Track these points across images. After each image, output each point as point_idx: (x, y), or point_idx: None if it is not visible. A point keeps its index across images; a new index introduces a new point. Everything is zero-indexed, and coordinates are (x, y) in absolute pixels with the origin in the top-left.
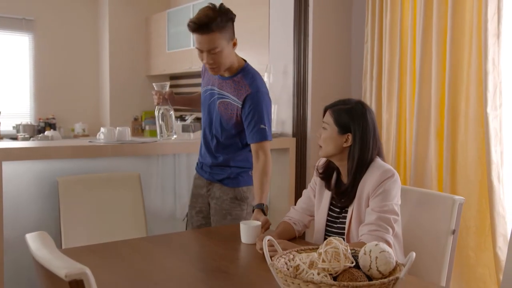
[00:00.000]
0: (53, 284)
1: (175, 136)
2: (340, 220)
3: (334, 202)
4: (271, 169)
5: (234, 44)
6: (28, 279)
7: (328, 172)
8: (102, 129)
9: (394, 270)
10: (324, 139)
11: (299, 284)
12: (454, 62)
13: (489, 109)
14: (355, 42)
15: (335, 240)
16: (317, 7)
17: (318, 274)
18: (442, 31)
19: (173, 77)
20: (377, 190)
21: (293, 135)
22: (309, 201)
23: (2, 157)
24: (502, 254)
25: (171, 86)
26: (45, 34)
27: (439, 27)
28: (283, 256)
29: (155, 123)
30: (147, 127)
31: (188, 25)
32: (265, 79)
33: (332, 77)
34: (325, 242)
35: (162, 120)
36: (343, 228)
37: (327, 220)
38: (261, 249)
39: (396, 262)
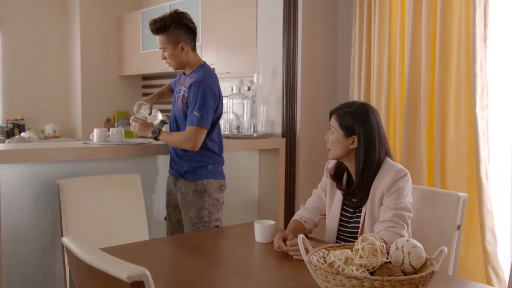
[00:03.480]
0: (109, 286)
1: None
2: (354, 219)
3: (346, 202)
4: (180, 145)
5: (182, 49)
6: (23, 283)
7: (339, 173)
8: (95, 130)
9: (425, 265)
10: (332, 142)
11: (341, 280)
12: (443, 64)
13: (477, 110)
14: (342, 44)
15: (370, 237)
16: (306, 8)
17: (357, 270)
18: (431, 34)
19: (146, 77)
20: (391, 189)
21: (283, 136)
22: (320, 200)
23: (0, 159)
24: (491, 247)
25: (144, 87)
26: (13, 32)
27: (428, 31)
28: (314, 253)
29: (127, 124)
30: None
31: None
32: (254, 80)
33: (321, 78)
34: (360, 238)
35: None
36: (357, 228)
37: (340, 220)
38: (279, 247)
39: (426, 256)
